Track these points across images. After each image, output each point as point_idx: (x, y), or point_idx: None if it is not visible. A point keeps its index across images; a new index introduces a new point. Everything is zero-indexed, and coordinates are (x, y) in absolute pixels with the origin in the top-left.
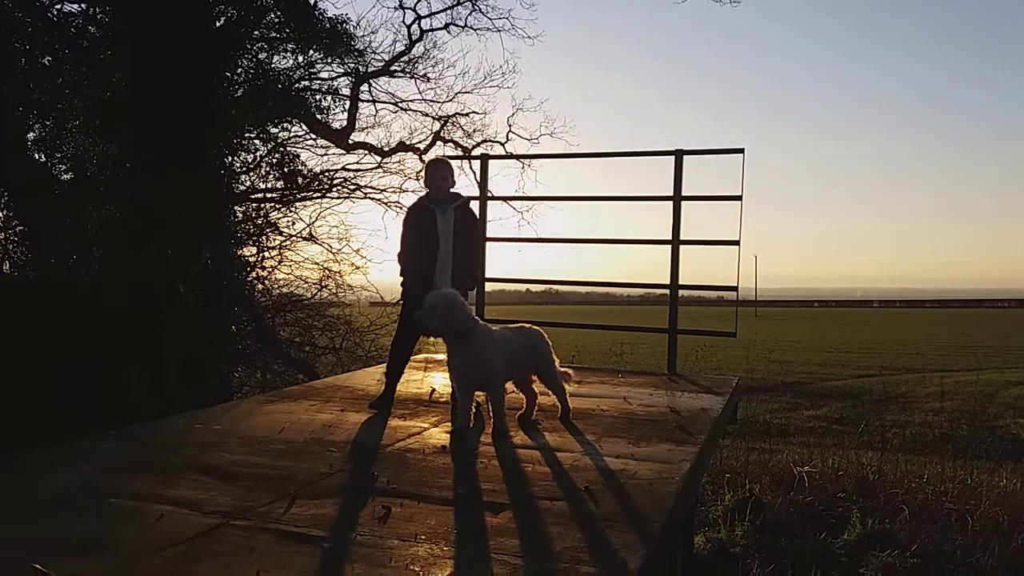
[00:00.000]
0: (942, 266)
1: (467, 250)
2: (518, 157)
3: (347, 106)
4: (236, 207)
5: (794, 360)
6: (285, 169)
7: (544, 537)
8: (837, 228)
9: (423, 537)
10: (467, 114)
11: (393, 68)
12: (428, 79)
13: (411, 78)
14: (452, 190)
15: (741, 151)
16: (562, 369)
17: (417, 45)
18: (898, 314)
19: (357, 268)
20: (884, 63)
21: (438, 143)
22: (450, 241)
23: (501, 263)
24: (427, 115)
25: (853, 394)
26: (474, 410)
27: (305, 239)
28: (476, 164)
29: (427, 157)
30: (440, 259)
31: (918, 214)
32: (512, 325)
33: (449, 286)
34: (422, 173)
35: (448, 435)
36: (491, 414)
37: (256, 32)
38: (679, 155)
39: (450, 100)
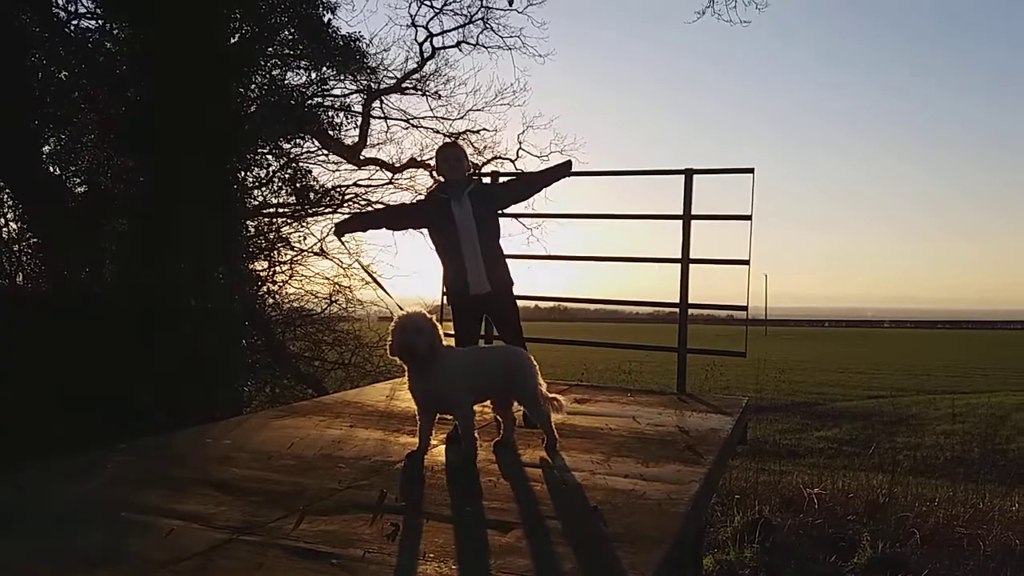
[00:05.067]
0: (953, 286)
1: (495, 238)
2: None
3: (359, 122)
4: (248, 222)
5: (804, 380)
6: (297, 184)
7: (553, 557)
8: (848, 247)
9: (431, 555)
10: (478, 131)
11: (405, 85)
12: (439, 96)
13: (423, 95)
14: (467, 175)
15: (751, 171)
16: (551, 395)
17: (429, 63)
18: (909, 335)
19: (367, 283)
20: (895, 82)
21: None
22: (473, 231)
23: None
24: (438, 132)
25: (863, 415)
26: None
27: (316, 254)
28: (487, 181)
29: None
30: (467, 254)
31: (929, 233)
32: (491, 346)
33: (485, 279)
34: (434, 163)
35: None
36: (501, 432)
37: (270, 49)
38: (689, 174)
39: (461, 117)
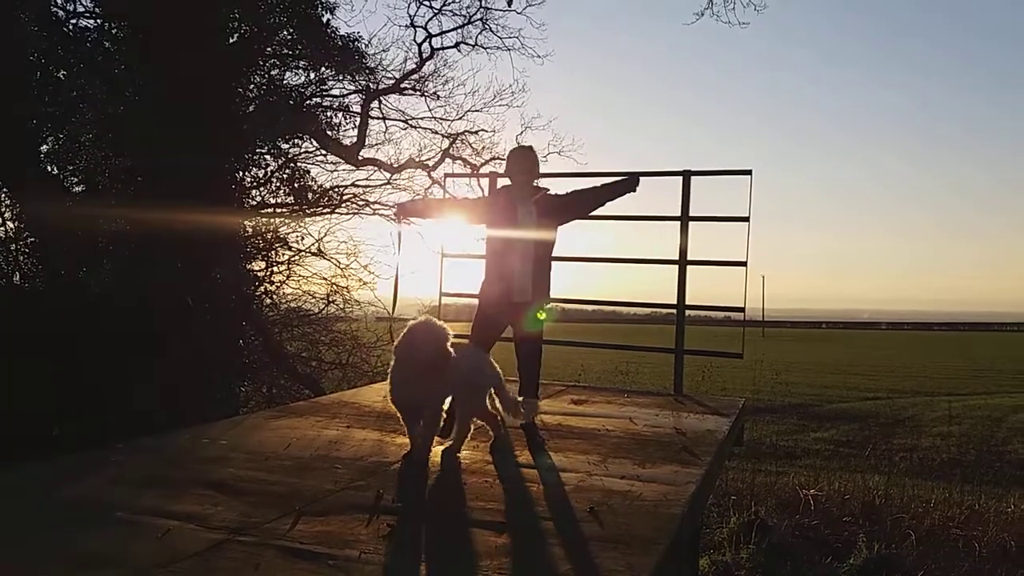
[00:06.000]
0: (951, 287)
1: (550, 250)
2: None
3: (357, 123)
4: (246, 222)
5: (801, 382)
6: (295, 184)
7: (548, 558)
8: (845, 248)
9: (427, 556)
10: (476, 132)
11: (404, 86)
12: (438, 97)
13: (421, 96)
14: (535, 184)
15: (749, 172)
16: (520, 399)
17: (427, 63)
18: (906, 336)
19: (365, 284)
20: (893, 83)
21: (447, 160)
22: (532, 239)
23: None
24: (436, 132)
25: (860, 417)
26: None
27: (314, 254)
28: (485, 182)
29: (436, 174)
30: (521, 260)
31: (928, 233)
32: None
33: (529, 288)
34: (504, 165)
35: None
36: (490, 431)
37: (269, 49)
38: (687, 176)
39: (460, 118)
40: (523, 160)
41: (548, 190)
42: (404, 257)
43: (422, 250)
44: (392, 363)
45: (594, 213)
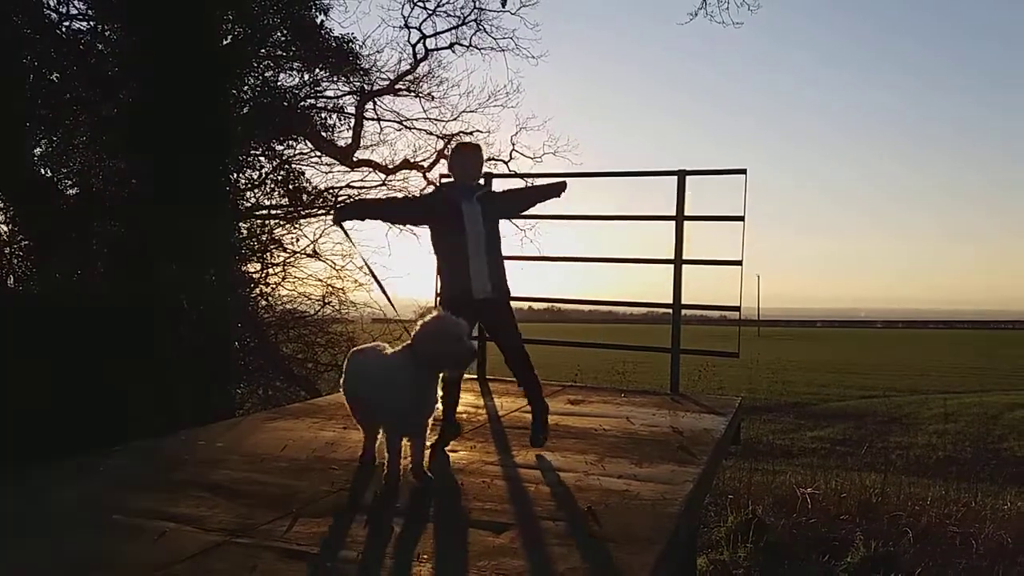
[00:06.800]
0: (946, 287)
1: (499, 243)
2: (521, 176)
3: (352, 124)
4: (241, 223)
5: (797, 380)
6: (290, 186)
7: (547, 558)
8: (841, 248)
9: (425, 557)
10: (471, 133)
11: (398, 87)
12: (433, 98)
13: (416, 97)
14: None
15: (743, 172)
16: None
17: (422, 64)
18: (901, 335)
19: (360, 285)
20: (889, 84)
21: (442, 161)
22: (482, 233)
23: None
24: (431, 133)
25: (856, 415)
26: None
27: (309, 256)
28: (480, 182)
29: (431, 175)
30: (473, 256)
31: (922, 233)
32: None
33: (487, 283)
34: (448, 161)
35: (451, 454)
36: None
37: (263, 50)
38: (682, 175)
39: (454, 119)
40: (467, 156)
41: (487, 188)
42: (366, 255)
43: (417, 252)
44: (392, 367)
45: (591, 213)
